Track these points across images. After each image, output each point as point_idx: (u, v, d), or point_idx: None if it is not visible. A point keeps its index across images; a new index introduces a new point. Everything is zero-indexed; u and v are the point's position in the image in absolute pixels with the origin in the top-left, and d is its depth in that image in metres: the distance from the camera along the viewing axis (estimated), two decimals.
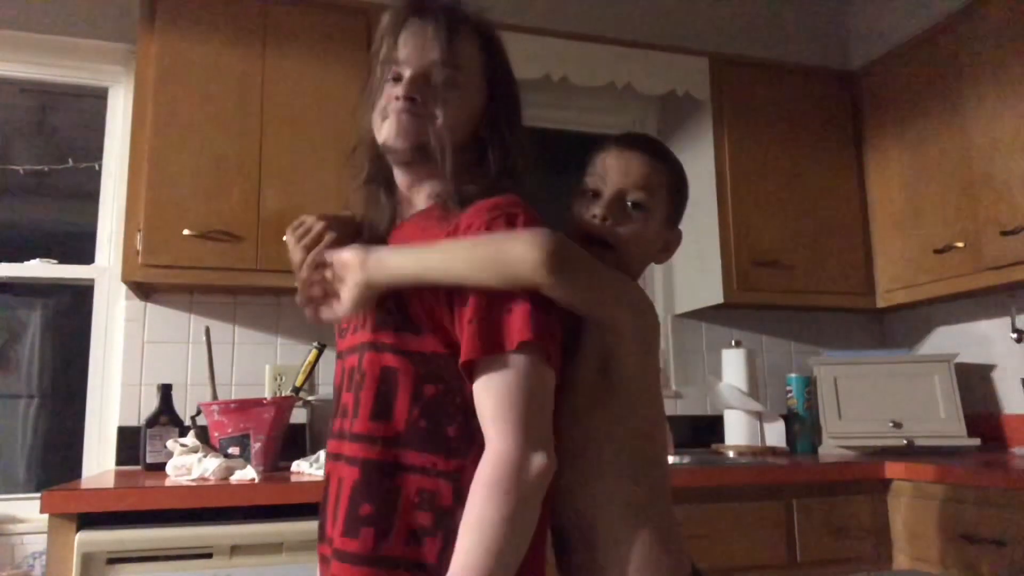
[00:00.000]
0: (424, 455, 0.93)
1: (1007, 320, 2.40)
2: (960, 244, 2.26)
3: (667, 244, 1.13)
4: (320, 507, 1.03)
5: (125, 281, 2.05)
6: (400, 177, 1.06)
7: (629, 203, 1.06)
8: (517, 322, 0.89)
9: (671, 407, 2.59)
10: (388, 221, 1.08)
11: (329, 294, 1.00)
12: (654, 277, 2.80)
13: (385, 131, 1.01)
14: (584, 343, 1.02)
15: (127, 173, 2.04)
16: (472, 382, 0.91)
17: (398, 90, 1.00)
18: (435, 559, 0.90)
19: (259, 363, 2.31)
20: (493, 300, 0.90)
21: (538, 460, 0.87)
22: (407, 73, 1.00)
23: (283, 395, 2.17)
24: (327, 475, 1.03)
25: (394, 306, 0.96)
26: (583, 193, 1.10)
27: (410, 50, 1.01)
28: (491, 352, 0.89)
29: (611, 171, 1.08)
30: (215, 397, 2.04)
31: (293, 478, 1.76)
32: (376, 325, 0.97)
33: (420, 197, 1.05)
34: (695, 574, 1.06)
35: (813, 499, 2.00)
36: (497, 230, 0.93)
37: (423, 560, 0.91)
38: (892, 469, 2.04)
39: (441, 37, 1.00)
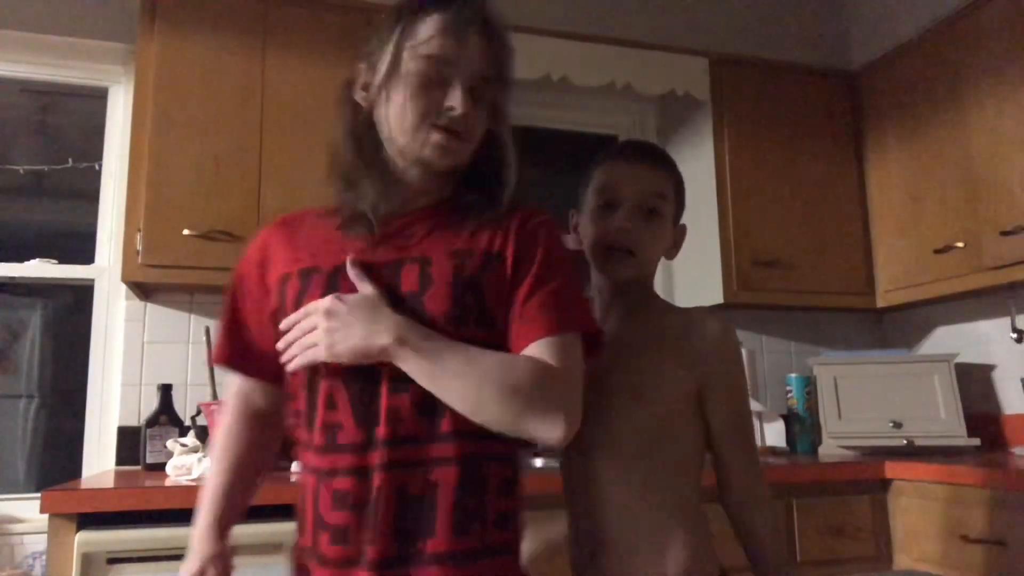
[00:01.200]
0: (499, 442, 0.95)
1: (1007, 320, 2.40)
2: (960, 244, 2.26)
3: (676, 241, 1.20)
4: (351, 528, 0.91)
5: (125, 281, 2.04)
6: (415, 175, 1.00)
7: (647, 210, 1.12)
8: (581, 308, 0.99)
9: None
10: (389, 206, 0.99)
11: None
12: (655, 277, 2.80)
13: (431, 147, 0.96)
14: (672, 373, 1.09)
15: (127, 173, 2.04)
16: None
17: (454, 102, 0.95)
18: (514, 540, 0.97)
19: None
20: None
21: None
22: (458, 85, 0.95)
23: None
24: (378, 488, 0.91)
25: (473, 301, 0.94)
26: (599, 206, 1.14)
27: (463, 58, 0.96)
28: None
29: (625, 182, 1.13)
30: (215, 397, 2.04)
31: (293, 478, 1.76)
32: (457, 322, 0.93)
33: (432, 188, 1.02)
34: (723, 574, 1.10)
35: (813, 499, 2.00)
36: (559, 239, 1.00)
37: (509, 543, 0.96)
38: (892, 469, 2.04)
39: (494, 53, 0.98)
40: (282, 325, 0.97)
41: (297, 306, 0.96)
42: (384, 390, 0.93)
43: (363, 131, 1.01)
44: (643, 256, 1.13)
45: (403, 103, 0.96)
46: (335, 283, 0.96)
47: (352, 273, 0.95)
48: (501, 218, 0.98)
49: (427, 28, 0.96)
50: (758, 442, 2.41)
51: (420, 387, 0.92)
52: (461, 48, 0.96)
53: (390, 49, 0.97)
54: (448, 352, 0.91)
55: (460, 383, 0.90)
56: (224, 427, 1.12)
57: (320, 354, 0.92)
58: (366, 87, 1.01)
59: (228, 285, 1.08)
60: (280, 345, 0.97)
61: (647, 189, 1.12)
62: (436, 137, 0.95)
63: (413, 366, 0.91)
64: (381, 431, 0.92)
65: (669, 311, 1.17)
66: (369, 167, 0.99)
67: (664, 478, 1.07)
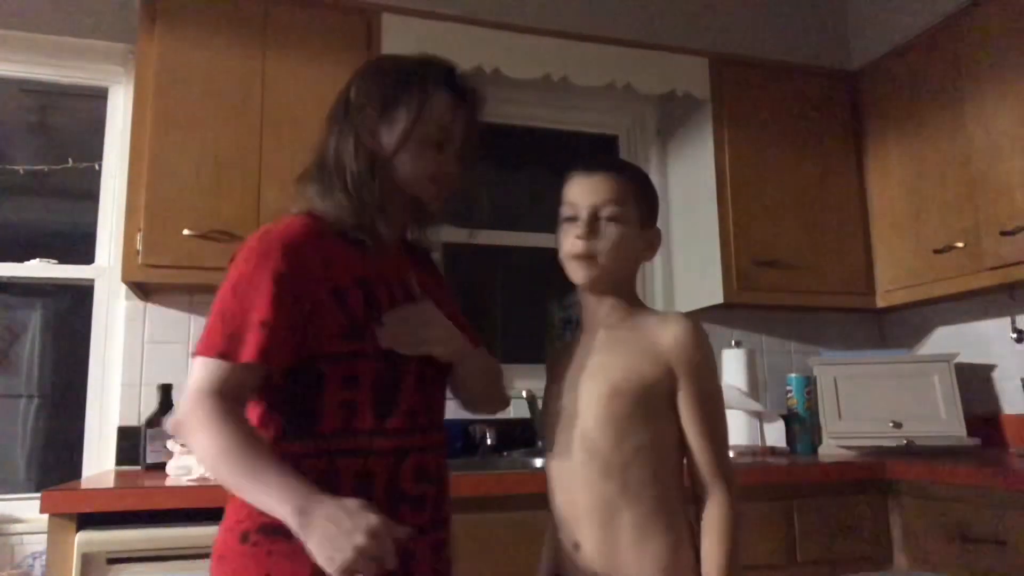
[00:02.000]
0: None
1: (1007, 320, 2.40)
2: (960, 244, 2.26)
3: (649, 243, 1.23)
4: (429, 498, 1.12)
5: (125, 281, 2.05)
6: (400, 214, 1.19)
7: (603, 218, 1.17)
8: None
9: None
10: (384, 241, 1.15)
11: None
12: (655, 277, 2.80)
13: (431, 198, 1.19)
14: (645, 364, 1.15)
15: (127, 173, 2.04)
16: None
17: (453, 169, 1.17)
18: None
19: None
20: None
21: None
22: (455, 154, 1.18)
23: None
24: (442, 464, 1.16)
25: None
26: (563, 219, 1.21)
27: (460, 132, 1.18)
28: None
29: (581, 195, 1.19)
30: None
31: None
32: None
33: (402, 220, 1.21)
34: None
35: (813, 499, 2.00)
36: None
37: None
38: (892, 469, 2.04)
39: (477, 124, 1.21)
40: (394, 315, 1.11)
41: (391, 306, 1.11)
42: (438, 384, 1.19)
43: (380, 169, 1.14)
44: (604, 262, 1.16)
45: (416, 162, 1.15)
46: (407, 294, 1.15)
47: (417, 290, 1.17)
48: (436, 264, 1.32)
49: (442, 105, 1.16)
50: (757, 442, 2.41)
51: (433, 383, 1.17)
52: (461, 125, 1.18)
53: (411, 116, 1.14)
54: (485, 357, 1.24)
55: (496, 382, 1.27)
56: (240, 424, 1.02)
57: (434, 348, 1.13)
58: (374, 133, 1.15)
59: (270, 282, 1.04)
60: (388, 331, 1.09)
61: (601, 198, 1.17)
62: (437, 192, 1.18)
63: (473, 368, 1.20)
64: (437, 418, 1.17)
65: (644, 315, 1.21)
66: (388, 201, 1.15)
67: (644, 477, 1.10)
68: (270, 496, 0.96)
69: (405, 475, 1.08)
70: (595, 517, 1.11)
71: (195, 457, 0.95)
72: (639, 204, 1.20)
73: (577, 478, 1.13)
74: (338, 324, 1.08)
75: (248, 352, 1.02)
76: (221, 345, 1.02)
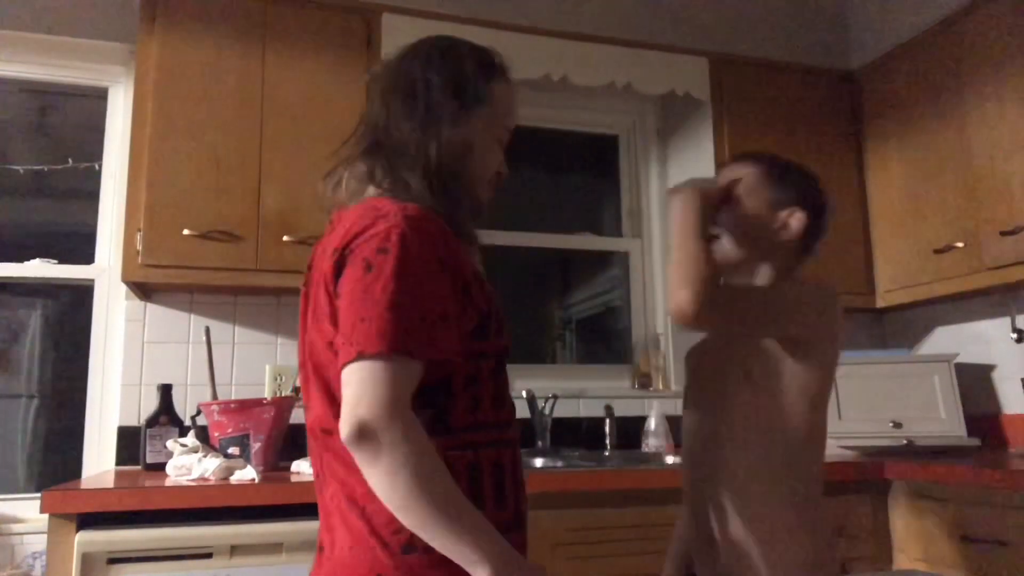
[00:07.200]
0: None
1: (1007, 320, 2.40)
2: (960, 244, 2.26)
3: (784, 224, 1.24)
4: (510, 493, 1.04)
5: (125, 281, 2.05)
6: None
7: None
8: None
9: (672, 408, 2.58)
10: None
11: None
12: (655, 278, 2.80)
13: (488, 194, 1.15)
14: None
15: (127, 173, 2.04)
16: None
17: (505, 170, 1.15)
18: None
19: (259, 363, 2.31)
20: None
21: None
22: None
23: (283, 395, 2.17)
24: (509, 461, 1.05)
25: None
26: None
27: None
28: None
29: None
30: (215, 397, 2.04)
31: (293, 478, 1.76)
32: None
33: None
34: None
35: None
36: None
37: None
38: (892, 469, 2.04)
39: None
40: None
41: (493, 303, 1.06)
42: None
43: (460, 164, 1.09)
44: (728, 239, 1.23)
45: (486, 160, 1.11)
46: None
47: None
48: None
49: (509, 99, 1.12)
50: None
51: None
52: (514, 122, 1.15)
53: (488, 111, 1.09)
54: None
55: None
56: (433, 447, 0.91)
57: None
58: (455, 123, 1.08)
59: (441, 271, 0.96)
60: None
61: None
62: (491, 192, 1.14)
63: None
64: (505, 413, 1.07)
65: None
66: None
67: (772, 468, 1.08)
68: (468, 545, 0.88)
69: (517, 464, 1.05)
70: (726, 512, 1.09)
71: (381, 474, 0.87)
72: (772, 187, 1.24)
73: (714, 476, 1.12)
74: (469, 320, 1.00)
75: (439, 348, 0.92)
76: (405, 341, 0.89)
